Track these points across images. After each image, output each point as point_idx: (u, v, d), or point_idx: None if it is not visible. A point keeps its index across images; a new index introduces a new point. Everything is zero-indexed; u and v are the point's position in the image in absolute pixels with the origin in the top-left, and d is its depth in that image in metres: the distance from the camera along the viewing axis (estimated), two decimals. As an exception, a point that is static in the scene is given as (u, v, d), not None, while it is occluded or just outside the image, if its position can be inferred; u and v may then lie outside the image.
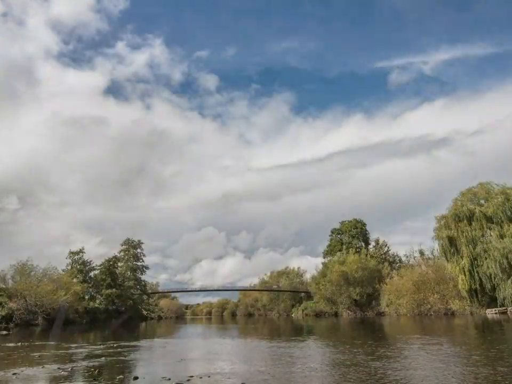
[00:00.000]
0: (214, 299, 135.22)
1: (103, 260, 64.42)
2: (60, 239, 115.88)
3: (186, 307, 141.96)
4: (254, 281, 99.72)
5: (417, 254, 58.39)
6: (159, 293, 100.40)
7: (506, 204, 37.92)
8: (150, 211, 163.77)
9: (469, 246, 38.51)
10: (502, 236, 36.59)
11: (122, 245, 71.68)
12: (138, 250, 72.23)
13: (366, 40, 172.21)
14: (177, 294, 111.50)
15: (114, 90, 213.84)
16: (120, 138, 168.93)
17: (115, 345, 16.64)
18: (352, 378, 7.77)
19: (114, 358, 12.15)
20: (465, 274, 38.19)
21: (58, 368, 9.92)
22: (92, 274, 63.71)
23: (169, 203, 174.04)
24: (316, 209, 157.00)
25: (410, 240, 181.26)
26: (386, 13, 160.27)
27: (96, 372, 9.20)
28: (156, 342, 20.13)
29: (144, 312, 75.70)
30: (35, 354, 13.29)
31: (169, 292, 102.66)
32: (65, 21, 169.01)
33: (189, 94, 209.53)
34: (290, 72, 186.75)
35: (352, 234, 71.51)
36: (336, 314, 60.62)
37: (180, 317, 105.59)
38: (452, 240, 39.95)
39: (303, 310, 71.98)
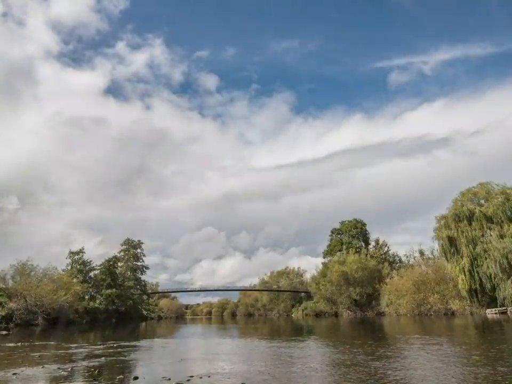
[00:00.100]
0: (214, 299, 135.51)
1: (103, 259, 64.48)
2: (59, 239, 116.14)
3: (186, 307, 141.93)
4: (254, 281, 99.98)
5: (417, 254, 58.55)
6: (159, 293, 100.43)
7: (506, 204, 37.93)
8: (150, 211, 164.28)
9: (469, 246, 38.52)
10: (502, 236, 36.59)
11: (122, 245, 71.77)
12: (138, 250, 72.28)
13: (366, 40, 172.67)
14: (177, 294, 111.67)
15: (114, 90, 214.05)
16: (120, 138, 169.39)
17: (115, 345, 16.63)
18: (352, 378, 7.77)
19: (114, 358, 12.14)
20: (465, 274, 38.20)
21: (58, 368, 9.91)
22: (92, 274, 63.75)
23: (169, 203, 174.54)
24: (316, 209, 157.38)
25: (410, 240, 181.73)
26: (386, 13, 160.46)
27: (96, 372, 9.19)
28: (156, 342, 20.11)
29: (144, 312, 75.68)
30: (35, 354, 13.28)
31: (169, 292, 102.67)
32: (65, 21, 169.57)
33: (189, 94, 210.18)
34: (290, 72, 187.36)
35: (352, 234, 71.52)
36: (336, 314, 60.63)
37: (180, 317, 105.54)
38: (451, 240, 39.96)
39: (303, 310, 71.97)
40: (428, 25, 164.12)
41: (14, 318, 38.36)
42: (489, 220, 38.66)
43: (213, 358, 12.20)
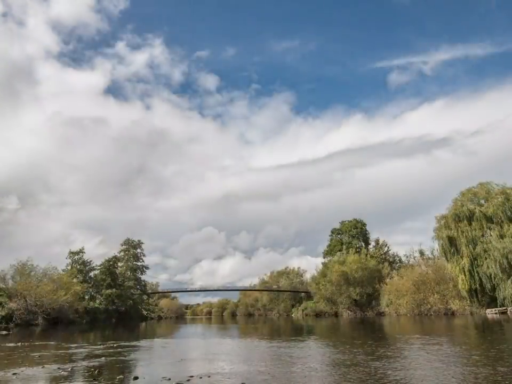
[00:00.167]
0: (214, 299, 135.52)
1: (103, 259, 64.54)
2: (59, 239, 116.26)
3: (186, 307, 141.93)
4: (254, 281, 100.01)
5: (417, 254, 58.54)
6: (159, 293, 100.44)
7: (506, 204, 37.93)
8: (150, 211, 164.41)
9: (469, 246, 38.53)
10: (502, 236, 36.60)
11: (122, 245, 71.77)
12: (138, 250, 72.29)
13: (366, 40, 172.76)
14: (177, 294, 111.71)
15: (114, 90, 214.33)
16: (120, 138, 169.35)
17: (115, 345, 16.63)
18: (352, 378, 7.77)
19: (114, 358, 12.15)
20: (465, 274, 38.20)
21: (58, 368, 9.91)
22: (92, 274, 63.78)
23: (169, 203, 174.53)
24: (316, 209, 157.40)
25: (410, 240, 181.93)
26: (386, 13, 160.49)
27: (96, 372, 9.19)
28: (156, 342, 20.11)
29: (144, 312, 75.68)
30: (35, 354, 13.28)
31: (169, 292, 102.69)
32: (65, 21, 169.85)
33: (189, 94, 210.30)
34: (290, 72, 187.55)
35: (352, 234, 71.52)
36: (336, 314, 60.62)
37: (180, 317, 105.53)
38: (452, 240, 39.95)
39: (303, 310, 71.95)
40: (428, 25, 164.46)
41: (14, 318, 38.38)
42: (489, 219, 38.66)
43: (213, 358, 12.20)
